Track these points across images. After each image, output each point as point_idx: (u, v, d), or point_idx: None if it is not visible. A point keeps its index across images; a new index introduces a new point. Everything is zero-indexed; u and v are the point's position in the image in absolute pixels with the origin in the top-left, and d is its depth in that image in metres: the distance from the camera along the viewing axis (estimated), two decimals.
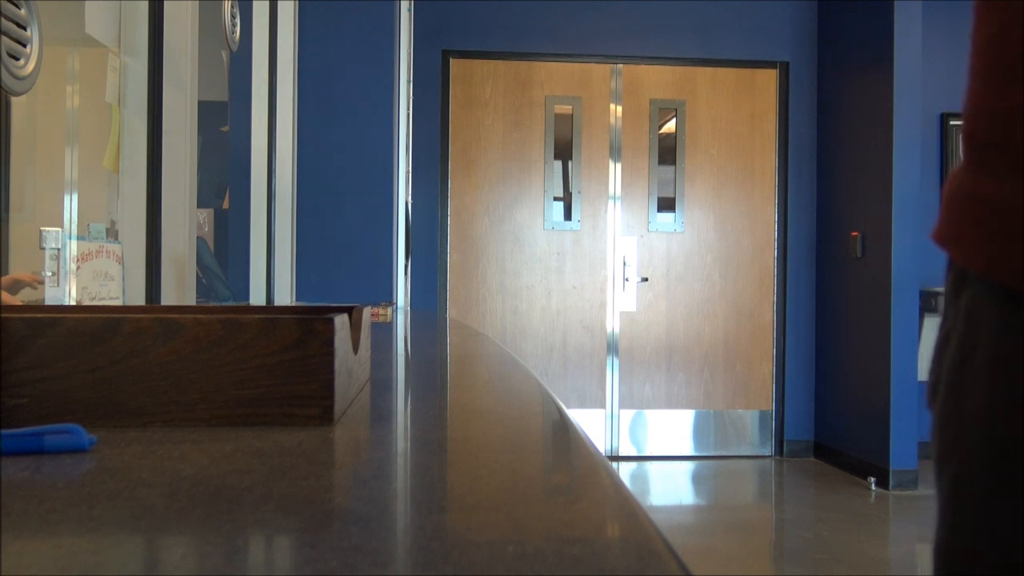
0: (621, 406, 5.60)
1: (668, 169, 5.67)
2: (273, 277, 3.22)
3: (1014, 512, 0.60)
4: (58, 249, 1.44)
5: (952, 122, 5.56)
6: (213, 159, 3.16)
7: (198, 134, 2.03)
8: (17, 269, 1.38)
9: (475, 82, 5.55)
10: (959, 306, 0.67)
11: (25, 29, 1.22)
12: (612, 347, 5.60)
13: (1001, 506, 0.61)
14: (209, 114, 2.88)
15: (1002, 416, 0.61)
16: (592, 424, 5.56)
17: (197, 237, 2.07)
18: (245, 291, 3.05)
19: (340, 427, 0.69)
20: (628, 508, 0.48)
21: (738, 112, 5.68)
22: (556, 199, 5.61)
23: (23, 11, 1.22)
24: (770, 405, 5.68)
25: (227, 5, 2.43)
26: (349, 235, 3.58)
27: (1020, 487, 0.60)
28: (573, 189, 5.61)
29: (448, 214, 5.53)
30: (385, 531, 0.43)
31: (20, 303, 1.37)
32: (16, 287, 1.39)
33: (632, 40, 5.60)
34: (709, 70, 5.66)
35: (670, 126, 5.69)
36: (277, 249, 3.32)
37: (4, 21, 1.17)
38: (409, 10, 4.63)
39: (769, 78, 5.70)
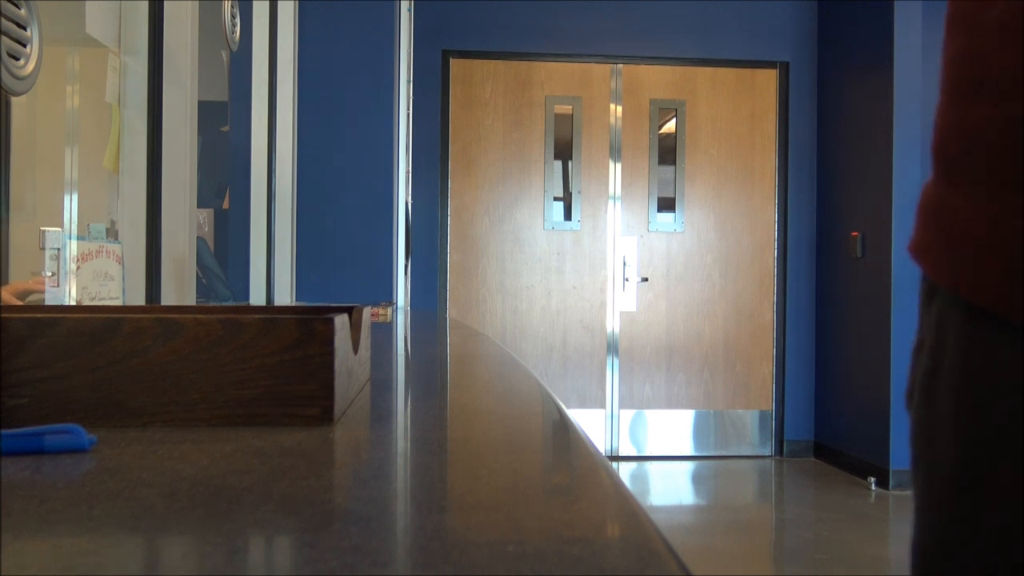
0: (621, 406, 5.60)
1: (668, 169, 5.67)
2: (273, 277, 3.22)
3: (981, 514, 0.62)
4: (58, 249, 1.44)
5: None
6: (213, 159, 3.16)
7: (198, 134, 2.03)
8: (17, 269, 1.38)
9: (475, 82, 5.55)
10: (930, 315, 0.69)
11: (25, 29, 1.22)
12: (612, 347, 5.60)
13: (969, 508, 0.63)
14: (209, 114, 2.88)
15: (967, 423, 0.63)
16: (592, 424, 5.56)
17: (197, 237, 2.07)
18: (245, 291, 3.05)
19: (340, 427, 0.69)
20: (628, 508, 0.48)
21: (738, 112, 5.68)
22: (556, 199, 5.61)
23: (23, 11, 1.22)
24: (770, 405, 5.68)
25: (227, 5, 2.43)
26: (349, 235, 3.58)
27: (986, 490, 0.62)
28: (573, 189, 5.61)
29: (448, 214, 5.53)
30: (385, 531, 0.43)
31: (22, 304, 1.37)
32: (24, 296, 1.39)
33: (632, 40, 5.60)
34: (709, 70, 5.66)
35: (670, 126, 5.69)
36: (277, 249, 3.32)
37: (4, 21, 1.17)
38: (409, 10, 4.63)
39: (769, 78, 5.70)
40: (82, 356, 0.66)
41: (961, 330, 0.65)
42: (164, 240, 1.87)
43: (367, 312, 0.93)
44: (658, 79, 5.65)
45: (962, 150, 0.65)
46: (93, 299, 1.52)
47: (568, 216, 5.61)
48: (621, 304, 5.60)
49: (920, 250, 0.70)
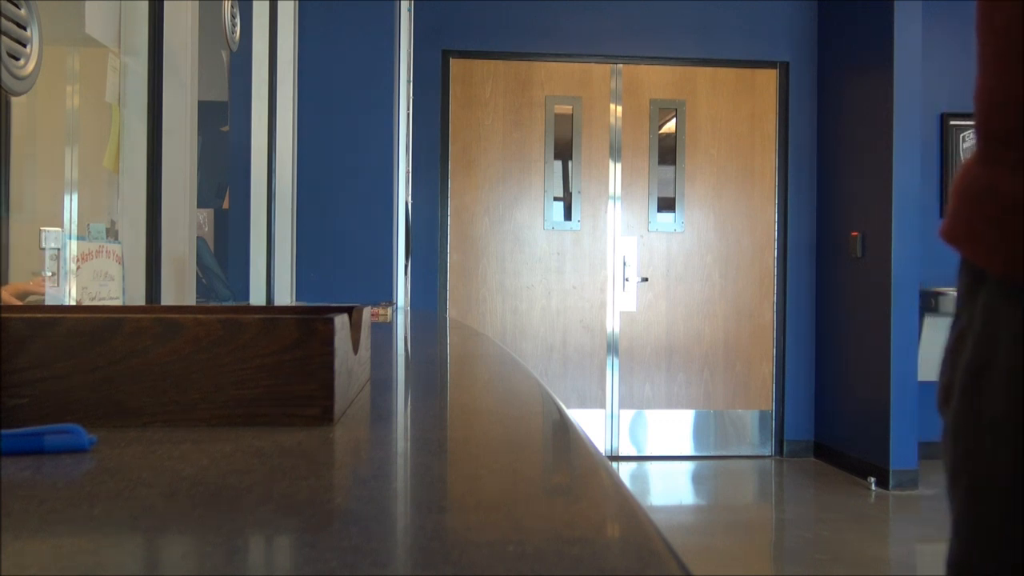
0: (621, 406, 5.60)
1: (668, 169, 5.66)
2: (273, 277, 3.22)
3: None
4: (58, 249, 1.44)
5: (952, 122, 5.56)
6: (213, 159, 3.16)
7: (198, 134, 2.03)
8: (17, 269, 1.38)
9: (475, 82, 5.55)
10: (975, 306, 0.63)
11: (25, 29, 1.22)
12: (612, 347, 5.60)
13: (1022, 520, 0.57)
14: (209, 114, 2.88)
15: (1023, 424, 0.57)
16: (592, 424, 5.56)
17: (197, 237, 2.07)
18: (245, 291, 3.05)
19: (340, 427, 0.69)
20: (628, 508, 0.48)
21: (738, 112, 5.68)
22: (556, 199, 5.61)
23: (23, 11, 1.22)
24: (770, 405, 5.67)
25: (227, 5, 2.43)
26: (349, 235, 3.58)
27: None
28: (573, 189, 5.61)
29: (448, 214, 5.53)
30: (385, 531, 0.43)
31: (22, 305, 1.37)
32: (24, 297, 1.39)
33: (632, 40, 5.59)
34: (709, 70, 5.66)
35: (670, 126, 5.69)
36: (277, 249, 3.32)
37: (4, 21, 1.17)
38: (409, 10, 4.63)
39: (769, 78, 5.70)
40: (82, 356, 0.66)
41: (1016, 322, 0.59)
42: (164, 240, 1.87)
43: (367, 312, 0.92)
44: (658, 79, 5.65)
45: (1016, 131, 0.60)
46: (93, 299, 1.52)
47: (568, 216, 5.61)
48: (621, 304, 5.60)
49: (962, 235, 0.63)
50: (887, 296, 4.82)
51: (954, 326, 0.66)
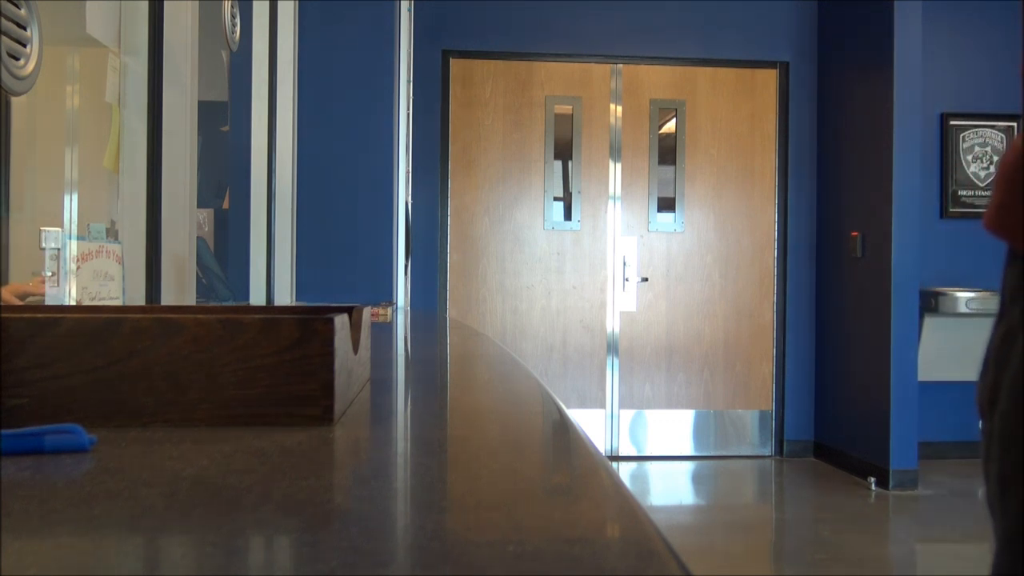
0: (621, 406, 5.60)
1: (668, 169, 5.66)
2: (273, 277, 3.22)
3: None
4: (58, 249, 1.44)
5: (952, 122, 5.56)
6: (213, 159, 3.16)
7: (198, 134, 2.03)
8: (17, 269, 1.38)
9: (475, 82, 5.55)
10: None
11: (25, 29, 1.22)
12: (612, 347, 5.60)
13: None
14: (209, 114, 2.88)
15: None
16: (592, 424, 5.56)
17: (197, 237, 2.07)
18: (245, 291, 3.05)
19: (340, 427, 0.69)
20: (628, 508, 0.48)
21: (738, 112, 5.67)
22: (556, 199, 5.61)
23: (23, 11, 1.22)
24: (770, 405, 5.67)
25: (227, 5, 2.43)
26: (349, 235, 3.58)
27: None
28: (573, 189, 5.61)
29: (448, 214, 5.53)
30: (385, 531, 0.43)
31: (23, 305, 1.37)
32: (24, 298, 1.39)
33: (632, 40, 5.59)
34: (709, 70, 5.66)
35: (670, 126, 5.69)
36: (277, 249, 3.32)
37: (4, 21, 1.17)
38: (409, 10, 4.63)
39: (769, 78, 5.70)
40: (82, 356, 0.66)
41: None
42: (164, 240, 1.87)
43: (367, 312, 0.92)
44: (658, 79, 5.65)
45: None
46: (93, 299, 1.52)
47: (568, 216, 5.61)
48: (621, 304, 5.60)
49: (1010, 225, 0.58)
50: (887, 296, 4.82)
51: (999, 323, 0.61)
